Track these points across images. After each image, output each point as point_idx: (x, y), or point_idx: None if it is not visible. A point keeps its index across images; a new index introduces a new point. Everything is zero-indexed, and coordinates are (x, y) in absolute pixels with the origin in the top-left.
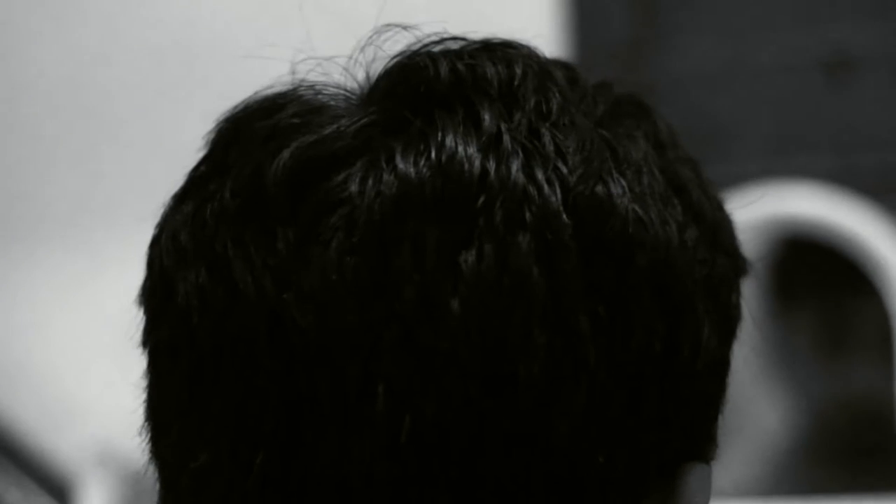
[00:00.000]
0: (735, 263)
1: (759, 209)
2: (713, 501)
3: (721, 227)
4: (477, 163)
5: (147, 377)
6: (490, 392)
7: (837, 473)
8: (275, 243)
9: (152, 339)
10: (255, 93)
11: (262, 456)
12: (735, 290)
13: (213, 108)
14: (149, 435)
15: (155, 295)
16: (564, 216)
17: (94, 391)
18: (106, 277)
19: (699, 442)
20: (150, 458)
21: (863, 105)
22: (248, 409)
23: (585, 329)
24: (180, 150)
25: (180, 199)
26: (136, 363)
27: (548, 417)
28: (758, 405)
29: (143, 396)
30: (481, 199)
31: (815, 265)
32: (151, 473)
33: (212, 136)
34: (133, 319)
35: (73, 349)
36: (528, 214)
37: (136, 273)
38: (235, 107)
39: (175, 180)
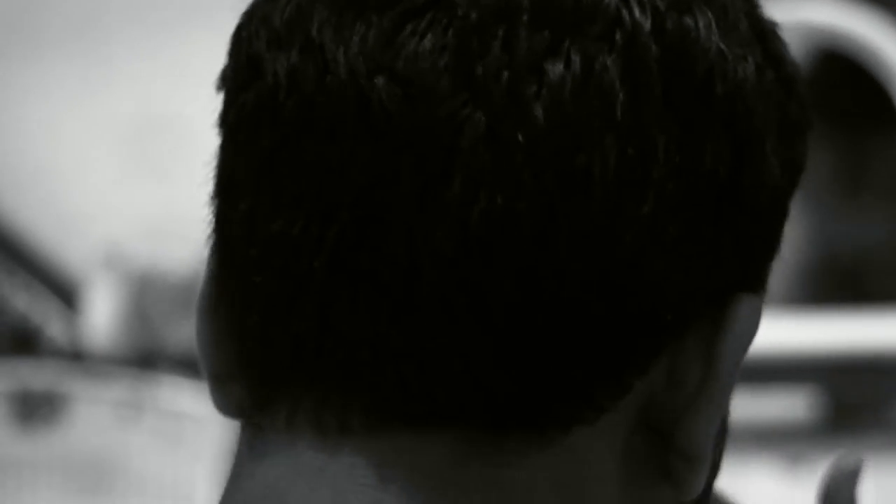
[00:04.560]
0: (805, 116)
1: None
2: None
3: (796, 80)
4: None
5: (220, 154)
6: (563, 187)
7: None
8: (370, 30)
9: (231, 116)
10: None
11: (335, 230)
12: (803, 140)
13: None
14: (215, 210)
15: (239, 75)
16: (652, 42)
17: (102, 196)
18: (116, 83)
19: (751, 277)
20: (212, 234)
21: None
22: (329, 184)
23: (659, 144)
24: None
25: None
26: (145, 169)
27: (614, 221)
28: None
29: (213, 173)
30: (573, 17)
31: (836, 80)
32: (210, 251)
33: None
34: (140, 127)
35: (82, 154)
36: (618, 35)
37: (145, 80)
38: None
39: None
